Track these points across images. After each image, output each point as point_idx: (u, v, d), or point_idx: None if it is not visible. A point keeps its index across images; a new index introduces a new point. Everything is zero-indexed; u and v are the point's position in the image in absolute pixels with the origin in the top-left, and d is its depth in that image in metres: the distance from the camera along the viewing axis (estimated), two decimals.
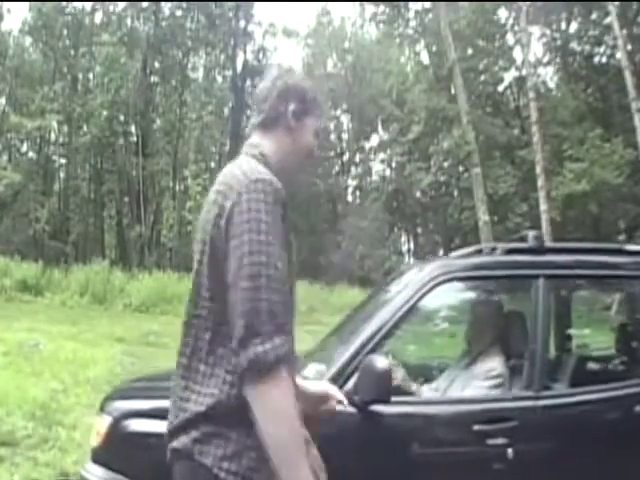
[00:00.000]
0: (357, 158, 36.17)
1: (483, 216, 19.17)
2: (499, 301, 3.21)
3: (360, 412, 2.34)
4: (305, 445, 1.28)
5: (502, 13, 25.29)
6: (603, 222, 23.49)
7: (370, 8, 26.26)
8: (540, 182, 18.50)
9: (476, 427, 2.40)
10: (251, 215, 1.28)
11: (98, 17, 28.46)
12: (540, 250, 2.82)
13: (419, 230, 33.21)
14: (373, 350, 2.45)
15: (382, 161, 35.17)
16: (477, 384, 2.75)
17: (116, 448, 2.46)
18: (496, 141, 23.81)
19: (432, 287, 2.60)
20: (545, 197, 18.35)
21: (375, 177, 35.49)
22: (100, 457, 2.48)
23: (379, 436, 2.44)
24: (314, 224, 31.93)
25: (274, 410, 1.23)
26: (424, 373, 3.14)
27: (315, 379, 2.04)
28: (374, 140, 35.40)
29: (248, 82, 31.04)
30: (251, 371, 1.23)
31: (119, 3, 27.63)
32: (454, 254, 3.14)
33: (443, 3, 20.91)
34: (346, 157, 36.45)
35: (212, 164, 30.90)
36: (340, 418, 2.36)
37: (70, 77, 27.81)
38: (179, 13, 28.40)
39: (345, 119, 37.14)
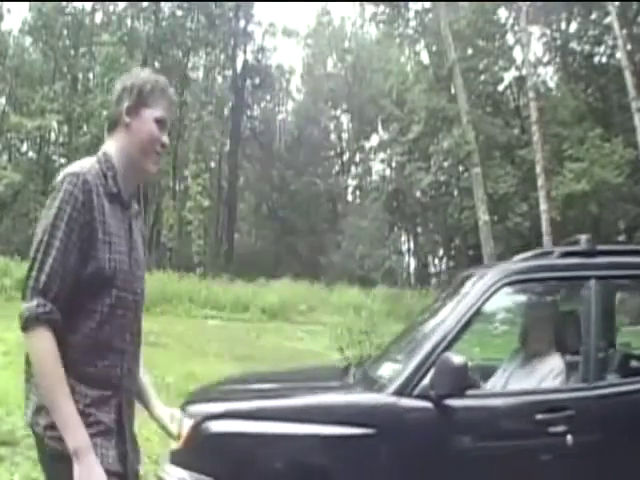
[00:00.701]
0: (357, 158, 36.19)
1: (483, 216, 19.16)
2: (556, 302, 3.47)
3: (435, 406, 2.57)
4: (63, 386, 1.51)
5: (502, 13, 25.32)
6: (603, 222, 23.48)
7: (370, 8, 26.29)
8: (540, 182, 18.50)
9: (538, 416, 2.61)
10: (50, 207, 1.55)
11: (98, 17, 28.49)
12: (592, 252, 3.01)
13: (419, 230, 33.19)
14: (445, 350, 2.66)
15: (382, 161, 35.18)
16: (541, 381, 2.96)
17: (198, 449, 2.59)
18: (496, 141, 23.81)
19: (496, 290, 2.83)
20: (545, 197, 18.35)
21: (375, 177, 35.53)
22: (181, 459, 2.61)
23: (453, 427, 2.66)
24: (314, 224, 31.95)
25: (33, 356, 1.54)
26: (481, 371, 3.37)
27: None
28: (374, 140, 35.45)
29: (248, 82, 31.07)
30: (21, 324, 1.53)
31: (119, 3, 27.65)
32: (516, 258, 3.37)
33: (443, 3, 20.90)
34: (346, 157, 36.47)
35: (212, 164, 30.92)
36: (415, 414, 2.61)
37: (70, 77, 27.83)
38: (179, 13, 28.43)
39: (345, 119, 37.19)
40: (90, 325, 1.57)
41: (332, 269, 26.82)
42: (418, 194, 28.81)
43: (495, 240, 19.70)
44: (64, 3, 26.65)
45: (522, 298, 3.53)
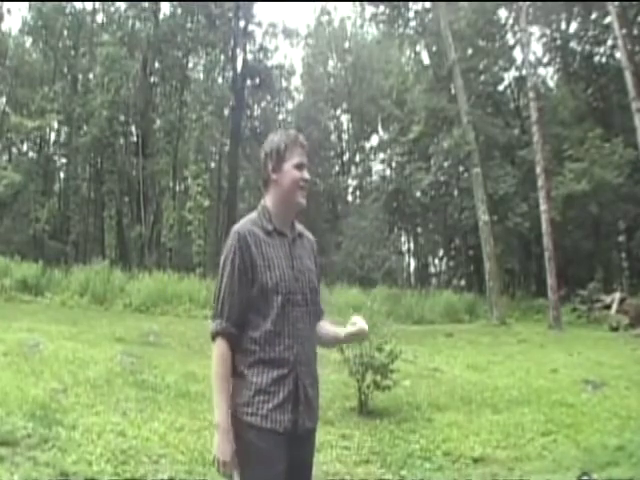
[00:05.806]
0: (357, 158, 36.18)
1: (483, 216, 19.14)
2: None
3: None
4: (225, 388, 2.11)
5: (502, 13, 25.29)
6: (603, 222, 23.47)
7: (370, 8, 26.22)
8: (540, 182, 18.49)
9: None
10: (222, 254, 2.19)
11: (99, 17, 28.49)
12: None
13: (419, 230, 33.19)
14: None
15: (382, 161, 35.16)
16: None
17: None
18: (496, 141, 23.79)
19: None
20: (545, 197, 18.33)
21: (375, 177, 35.50)
22: None
23: None
24: (314, 224, 31.91)
25: (213, 359, 2.13)
26: None
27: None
28: (374, 140, 35.45)
29: (248, 82, 31.01)
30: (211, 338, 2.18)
31: (119, 3, 27.64)
32: None
33: (443, 3, 20.90)
34: (346, 157, 36.45)
35: (212, 164, 30.90)
36: None
37: (70, 77, 27.82)
38: (179, 13, 28.39)
39: (345, 119, 37.18)
40: (267, 322, 2.12)
41: (332, 269, 26.81)
42: (418, 194, 28.81)
43: (495, 240, 19.70)
44: (64, 3, 26.63)
45: None
